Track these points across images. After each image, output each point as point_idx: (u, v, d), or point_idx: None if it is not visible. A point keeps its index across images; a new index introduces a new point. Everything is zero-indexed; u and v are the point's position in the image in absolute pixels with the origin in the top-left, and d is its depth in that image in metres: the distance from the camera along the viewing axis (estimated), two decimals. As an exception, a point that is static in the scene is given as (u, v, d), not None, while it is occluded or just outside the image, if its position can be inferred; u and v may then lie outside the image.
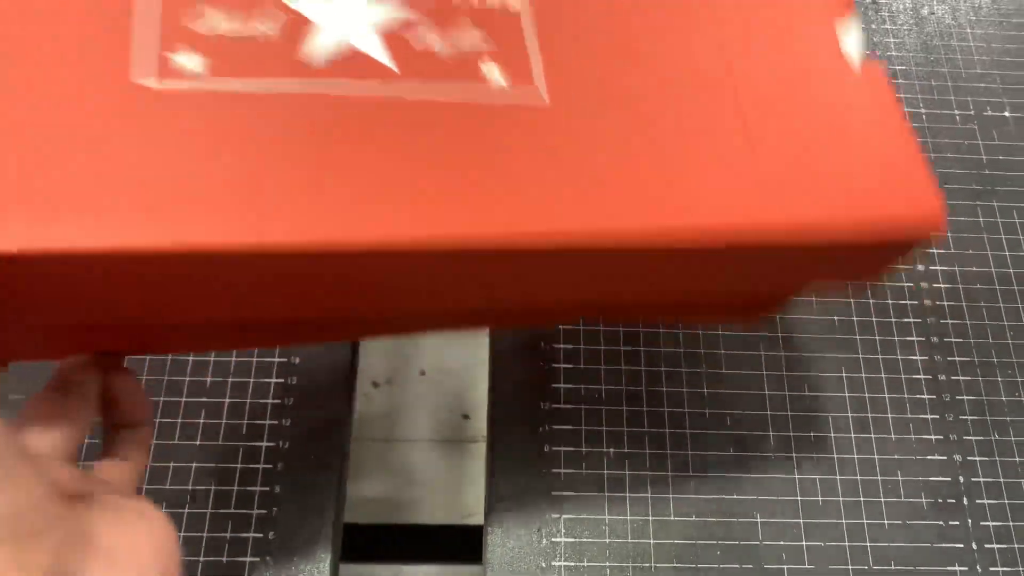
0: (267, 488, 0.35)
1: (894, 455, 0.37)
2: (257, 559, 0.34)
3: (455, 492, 0.85)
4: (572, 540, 0.35)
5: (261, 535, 0.34)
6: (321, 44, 0.21)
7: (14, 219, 0.17)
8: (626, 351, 0.38)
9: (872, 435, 0.38)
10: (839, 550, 0.35)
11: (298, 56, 0.20)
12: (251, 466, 0.35)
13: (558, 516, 0.35)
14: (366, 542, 0.73)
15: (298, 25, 0.21)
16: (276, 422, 0.36)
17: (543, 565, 0.34)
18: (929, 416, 0.38)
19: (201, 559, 0.33)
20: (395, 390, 0.82)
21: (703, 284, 0.26)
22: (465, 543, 0.82)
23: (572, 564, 0.34)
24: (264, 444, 0.35)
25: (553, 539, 0.35)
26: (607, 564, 0.34)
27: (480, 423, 0.89)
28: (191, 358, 0.37)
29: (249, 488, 0.35)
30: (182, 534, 0.34)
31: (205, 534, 0.34)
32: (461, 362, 0.91)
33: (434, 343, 0.89)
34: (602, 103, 0.22)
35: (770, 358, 0.39)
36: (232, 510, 0.34)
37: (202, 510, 0.34)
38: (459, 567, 0.84)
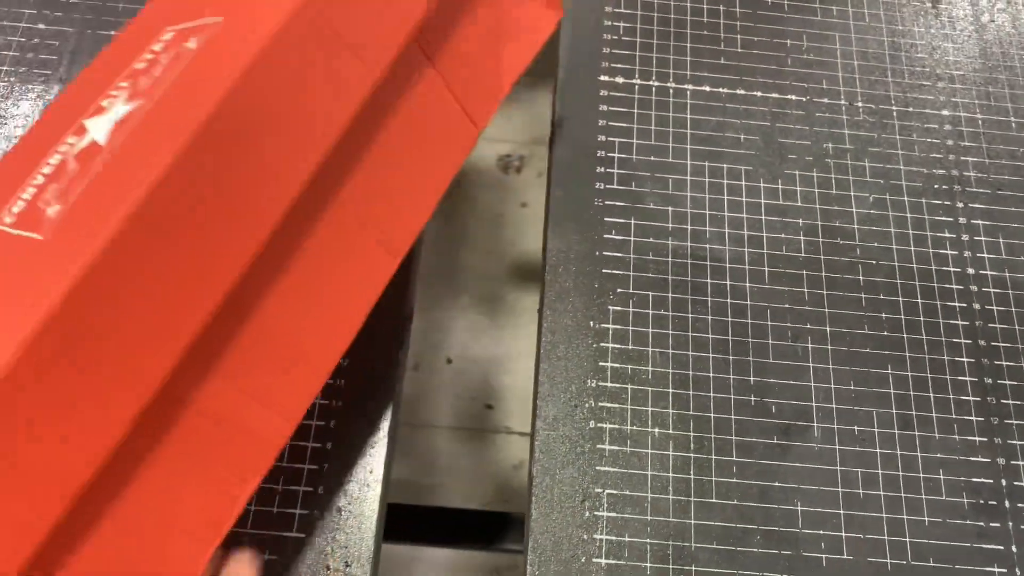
0: (315, 466, 0.36)
1: (937, 454, 0.37)
2: (302, 535, 0.34)
3: (474, 480, 0.86)
4: (614, 515, 0.35)
5: (306, 511, 0.35)
6: None
7: None
8: (674, 335, 0.39)
9: (916, 433, 0.38)
10: (878, 543, 0.36)
11: None
12: (299, 443, 0.36)
13: (601, 491, 0.35)
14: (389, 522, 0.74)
15: None
16: (327, 402, 0.37)
17: (585, 537, 0.35)
18: (974, 418, 0.38)
19: (248, 530, 0.34)
20: (421, 376, 0.83)
21: None
22: (480, 529, 0.82)
23: (613, 538, 0.35)
24: (313, 423, 0.36)
25: (596, 512, 0.35)
26: (647, 541, 0.35)
27: (503, 414, 0.90)
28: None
29: (297, 465, 0.36)
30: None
31: (252, 507, 0.35)
32: (488, 352, 0.92)
33: (463, 332, 0.90)
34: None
35: (816, 351, 0.39)
36: (280, 486, 0.35)
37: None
38: (473, 552, 0.84)
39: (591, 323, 0.39)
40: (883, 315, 0.40)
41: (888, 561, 0.35)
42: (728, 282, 0.40)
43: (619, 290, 0.40)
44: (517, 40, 0.37)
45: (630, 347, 0.38)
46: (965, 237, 0.43)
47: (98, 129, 0.24)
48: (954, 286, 0.41)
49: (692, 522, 0.35)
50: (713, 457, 0.37)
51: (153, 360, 0.23)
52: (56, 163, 0.24)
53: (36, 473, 0.21)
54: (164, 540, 0.25)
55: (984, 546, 0.36)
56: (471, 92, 0.33)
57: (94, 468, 0.22)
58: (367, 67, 0.27)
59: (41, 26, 0.44)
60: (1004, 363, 0.40)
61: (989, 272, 0.42)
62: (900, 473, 0.37)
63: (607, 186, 0.42)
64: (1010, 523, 0.36)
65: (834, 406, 0.38)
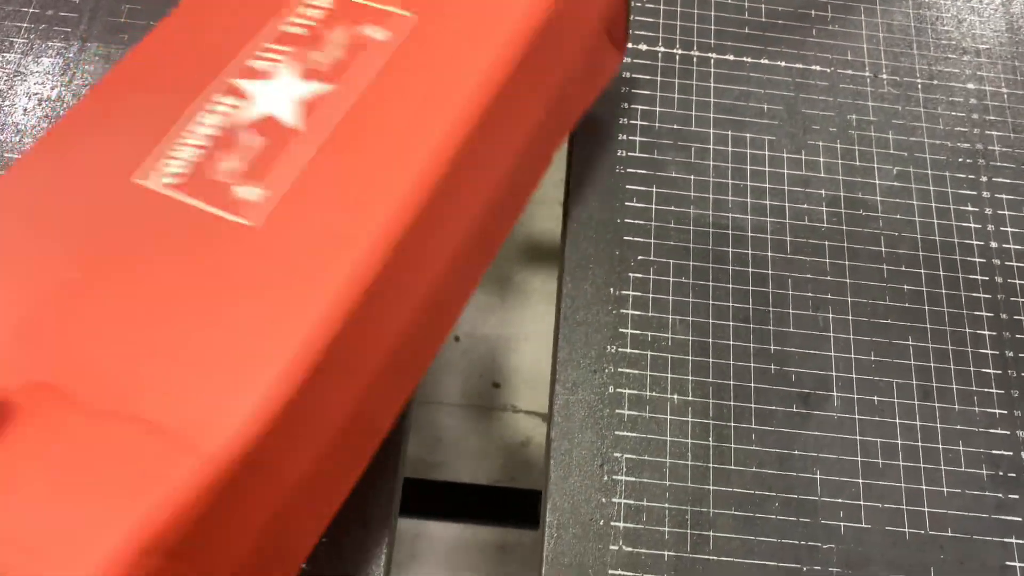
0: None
1: (956, 425, 0.37)
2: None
3: (481, 457, 0.86)
4: (633, 479, 0.35)
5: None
6: None
7: None
8: (695, 303, 0.39)
9: (936, 404, 0.38)
10: (896, 512, 0.35)
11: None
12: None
13: (620, 455, 0.35)
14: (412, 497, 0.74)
15: None
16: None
17: (603, 501, 0.35)
18: (994, 391, 0.38)
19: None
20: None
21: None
22: (487, 504, 0.83)
23: (632, 502, 0.35)
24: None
25: (614, 476, 0.35)
26: (666, 505, 0.35)
27: (510, 392, 0.90)
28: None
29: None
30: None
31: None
32: (496, 331, 0.92)
33: (472, 311, 0.90)
34: None
35: (838, 321, 0.39)
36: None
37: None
38: (480, 527, 0.85)
39: (611, 290, 0.39)
40: (905, 287, 0.40)
41: (906, 531, 0.35)
42: (750, 251, 0.40)
43: (640, 258, 0.40)
44: (588, 80, 0.36)
45: (650, 314, 0.38)
46: (988, 211, 0.42)
47: (269, 100, 0.22)
48: (976, 259, 0.41)
49: (711, 488, 0.35)
50: (732, 424, 0.36)
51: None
52: (219, 126, 0.22)
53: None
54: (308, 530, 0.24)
55: (1003, 517, 0.36)
56: (551, 124, 0.33)
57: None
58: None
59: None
60: (1026, 337, 0.39)
61: (1012, 246, 0.41)
62: (919, 444, 0.37)
63: (629, 154, 0.42)
64: (1029, 495, 0.36)
65: (854, 376, 0.38)
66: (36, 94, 0.41)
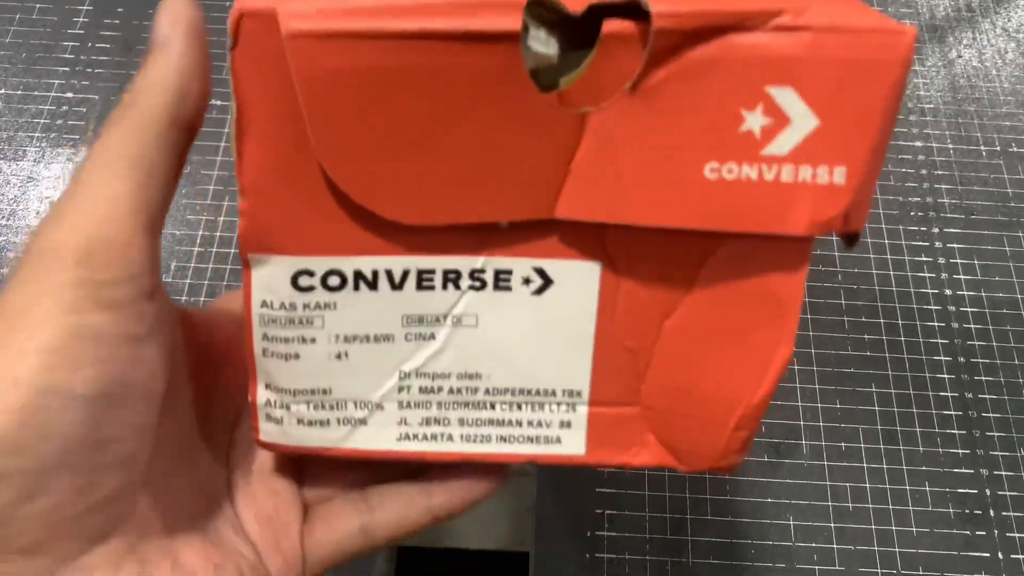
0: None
1: (922, 466, 0.39)
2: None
3: (489, 522, 0.87)
4: (613, 534, 0.37)
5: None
6: None
7: None
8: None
9: (901, 447, 0.40)
10: (868, 554, 0.37)
11: None
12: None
13: (601, 512, 0.37)
14: (411, 565, 0.75)
15: None
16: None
17: (587, 558, 0.36)
18: (956, 431, 0.40)
19: None
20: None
21: None
22: (507, 569, 0.83)
23: (614, 556, 0.36)
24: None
25: (596, 532, 0.37)
26: (647, 558, 0.36)
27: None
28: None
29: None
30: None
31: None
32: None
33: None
34: None
35: (803, 372, 0.41)
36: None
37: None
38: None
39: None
40: (865, 336, 0.42)
41: (879, 571, 0.37)
42: (716, 310, 0.43)
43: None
44: None
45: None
46: (942, 260, 0.45)
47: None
48: (932, 307, 0.43)
49: (689, 538, 0.37)
50: (707, 476, 0.38)
51: None
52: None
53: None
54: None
55: (971, 554, 0.37)
56: None
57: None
58: None
59: (69, 95, 0.48)
60: (983, 378, 0.41)
61: (966, 292, 0.44)
62: (887, 486, 0.39)
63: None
64: (995, 531, 0.38)
65: (821, 424, 0.40)
66: (47, 198, 0.45)
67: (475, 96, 0.17)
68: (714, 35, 0.16)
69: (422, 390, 0.20)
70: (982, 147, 0.49)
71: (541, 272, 0.19)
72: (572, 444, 0.21)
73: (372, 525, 0.21)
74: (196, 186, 0.45)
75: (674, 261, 0.19)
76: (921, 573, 0.37)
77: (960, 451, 0.40)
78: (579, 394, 0.20)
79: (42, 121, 0.47)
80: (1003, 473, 0.39)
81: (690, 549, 0.37)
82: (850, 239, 0.18)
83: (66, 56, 0.49)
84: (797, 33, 0.16)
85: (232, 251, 0.44)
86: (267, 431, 0.21)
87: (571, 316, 0.20)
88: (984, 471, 0.39)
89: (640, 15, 0.17)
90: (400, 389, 0.20)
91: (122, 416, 0.16)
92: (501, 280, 0.19)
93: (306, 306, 0.19)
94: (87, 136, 0.47)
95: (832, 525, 0.38)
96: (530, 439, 0.21)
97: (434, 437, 0.21)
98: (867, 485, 0.39)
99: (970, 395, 0.41)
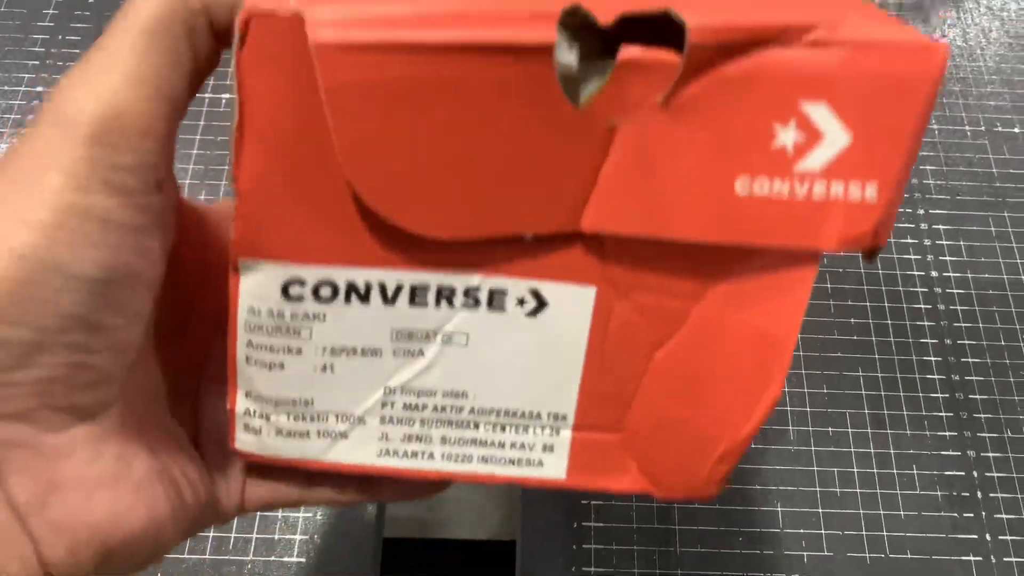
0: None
1: (909, 450, 0.39)
2: (303, 560, 0.36)
3: (482, 512, 0.87)
4: (602, 525, 0.37)
5: (306, 537, 0.36)
6: None
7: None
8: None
9: (888, 431, 0.39)
10: (857, 539, 0.37)
11: None
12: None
13: (588, 503, 0.37)
14: (398, 557, 0.75)
15: None
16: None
17: (574, 548, 0.36)
18: (943, 414, 0.40)
19: (250, 557, 0.36)
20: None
21: None
22: (494, 559, 0.83)
23: (602, 547, 0.36)
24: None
25: (583, 523, 0.37)
26: (635, 548, 0.36)
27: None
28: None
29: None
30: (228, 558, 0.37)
31: (254, 535, 0.37)
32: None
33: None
34: None
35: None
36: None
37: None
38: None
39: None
40: (852, 320, 0.42)
41: (867, 555, 0.37)
42: (701, 296, 0.42)
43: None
44: None
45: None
46: (927, 242, 0.45)
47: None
48: (919, 289, 0.43)
49: (676, 527, 0.37)
50: (694, 464, 0.38)
51: None
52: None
53: None
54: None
55: (959, 536, 0.37)
56: None
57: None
58: None
59: (40, 88, 0.47)
60: (970, 360, 0.41)
61: (952, 274, 0.44)
62: (875, 470, 0.39)
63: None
64: (983, 513, 0.38)
65: (808, 409, 0.40)
66: (19, 194, 0.44)
67: (505, 106, 0.17)
68: (748, 49, 0.16)
69: (406, 406, 0.20)
70: (967, 127, 0.48)
71: (536, 294, 0.19)
72: (554, 468, 0.21)
73: (309, 497, 0.22)
74: (172, 180, 0.45)
75: (672, 292, 0.19)
76: (909, 556, 0.37)
77: (947, 434, 0.40)
78: (564, 418, 0.20)
79: (12, 117, 0.46)
80: (990, 454, 0.39)
81: (677, 538, 0.36)
82: (871, 254, 0.18)
83: (36, 50, 0.48)
84: (831, 48, 0.16)
85: (210, 245, 0.43)
86: (244, 440, 0.20)
87: (562, 340, 0.19)
88: (971, 453, 0.39)
89: (671, 27, 0.16)
90: (384, 404, 0.20)
91: (120, 302, 0.16)
92: (495, 300, 0.19)
93: (294, 316, 0.19)
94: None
95: (820, 511, 0.37)
96: (512, 461, 0.20)
97: (415, 454, 0.20)
98: (855, 470, 0.38)
99: (957, 377, 0.41)
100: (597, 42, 0.17)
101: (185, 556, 0.36)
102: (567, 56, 0.17)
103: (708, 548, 0.36)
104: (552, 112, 0.17)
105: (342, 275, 0.18)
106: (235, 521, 0.36)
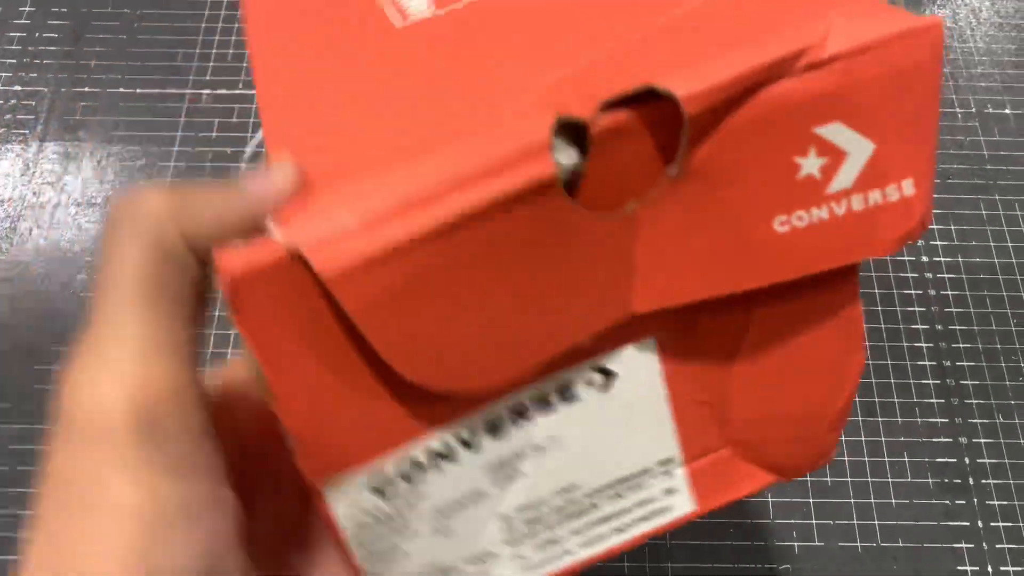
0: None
1: (900, 437, 0.39)
2: None
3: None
4: (590, 519, 0.36)
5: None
6: None
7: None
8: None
9: (879, 418, 0.39)
10: (848, 528, 0.37)
11: None
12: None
13: (577, 496, 0.37)
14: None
15: None
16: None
17: (563, 542, 0.36)
18: (935, 400, 0.40)
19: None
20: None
21: None
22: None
23: (591, 541, 0.36)
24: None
25: (572, 517, 0.36)
26: (624, 541, 0.36)
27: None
28: (230, 350, 0.39)
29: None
30: None
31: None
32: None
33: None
34: None
35: (779, 346, 0.40)
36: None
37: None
38: None
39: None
40: (841, 307, 0.42)
41: (858, 545, 0.36)
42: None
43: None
44: None
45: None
46: (918, 226, 0.44)
47: None
48: (909, 275, 0.43)
49: (666, 520, 0.36)
50: (684, 456, 0.38)
51: None
52: None
53: None
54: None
55: (951, 523, 0.37)
56: None
57: None
58: None
59: (17, 87, 0.46)
60: (961, 345, 0.41)
61: (943, 259, 0.43)
62: (866, 459, 0.38)
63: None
64: (975, 500, 0.38)
65: (798, 398, 0.39)
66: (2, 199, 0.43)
67: (524, 244, 0.16)
68: (746, 96, 0.15)
69: (527, 522, 0.20)
70: (957, 109, 0.48)
71: (602, 370, 0.19)
72: (683, 505, 0.21)
73: None
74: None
75: (728, 308, 0.18)
76: (901, 545, 0.37)
77: (939, 420, 0.39)
78: (672, 460, 0.20)
79: (-10, 116, 0.46)
80: (982, 441, 0.39)
81: (668, 532, 0.36)
82: (916, 234, 0.18)
83: (12, 48, 0.47)
84: (827, 67, 0.15)
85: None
86: None
87: (642, 396, 0.19)
88: (963, 439, 0.39)
89: (656, 96, 0.15)
90: (507, 531, 0.20)
91: (221, 560, 0.15)
92: (566, 394, 0.19)
93: (394, 505, 0.19)
94: (37, 130, 0.45)
95: (811, 500, 0.37)
96: (642, 519, 0.21)
97: (555, 558, 0.20)
98: (846, 458, 0.38)
99: (948, 363, 0.41)
100: (582, 135, 0.16)
101: None
102: (566, 156, 0.16)
103: (699, 540, 0.36)
104: (569, 227, 0.16)
105: (420, 448, 0.18)
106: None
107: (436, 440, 0.18)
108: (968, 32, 0.50)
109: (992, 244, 0.44)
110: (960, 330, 0.41)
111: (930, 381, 0.40)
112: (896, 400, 0.40)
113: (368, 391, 0.17)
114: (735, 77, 0.15)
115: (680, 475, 0.20)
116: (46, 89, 0.46)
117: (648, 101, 0.15)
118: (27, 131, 0.45)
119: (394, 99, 0.18)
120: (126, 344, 0.14)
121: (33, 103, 0.46)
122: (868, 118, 0.16)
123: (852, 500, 0.37)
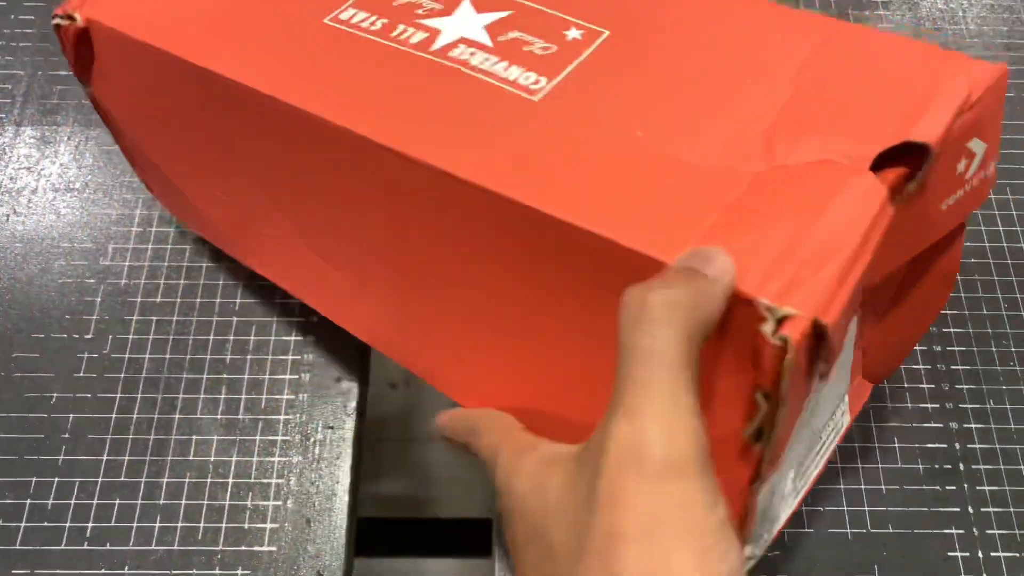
0: (281, 480, 0.36)
1: (891, 422, 0.38)
2: (273, 548, 0.35)
3: (470, 489, 0.86)
4: (577, 506, 0.36)
5: (276, 525, 0.36)
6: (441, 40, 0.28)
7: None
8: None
9: (869, 404, 0.39)
10: (838, 514, 0.36)
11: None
12: (267, 459, 0.37)
13: (564, 484, 0.36)
14: (382, 536, 0.74)
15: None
16: (288, 417, 0.38)
17: (550, 530, 0.35)
18: (925, 385, 0.39)
19: (221, 548, 0.35)
20: (411, 391, 0.83)
21: None
22: (478, 536, 0.83)
23: (578, 529, 0.35)
24: (279, 437, 0.37)
25: (559, 505, 0.36)
26: (612, 529, 0.35)
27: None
28: (211, 337, 0.39)
29: (265, 480, 0.36)
30: (204, 502, 0.36)
31: (224, 524, 0.36)
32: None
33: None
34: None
35: (768, 332, 0.40)
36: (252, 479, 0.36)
37: (223, 479, 0.36)
38: (473, 560, 0.85)
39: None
40: (831, 292, 0.41)
41: (848, 531, 0.36)
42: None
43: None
44: None
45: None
46: (908, 211, 0.44)
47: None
48: (900, 259, 0.42)
49: (654, 507, 0.36)
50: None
51: None
52: None
53: None
54: None
55: (941, 509, 0.37)
56: None
57: None
58: None
59: (-7, 71, 0.45)
60: (952, 330, 0.41)
61: (933, 243, 0.43)
62: (856, 445, 0.38)
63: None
64: (965, 485, 0.37)
65: (787, 384, 0.39)
66: (-26, 181, 0.43)
67: None
68: (943, 199, 0.25)
69: (798, 472, 0.28)
70: (948, 92, 0.47)
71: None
72: (845, 420, 0.31)
73: None
74: (132, 163, 0.43)
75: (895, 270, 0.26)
76: (891, 531, 0.36)
77: (930, 406, 0.39)
78: (846, 391, 0.31)
79: (-35, 100, 0.45)
80: (972, 426, 0.38)
81: (655, 518, 0.36)
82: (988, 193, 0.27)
83: (-12, 30, 0.46)
84: (976, 107, 0.23)
85: (171, 230, 0.42)
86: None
87: (846, 346, 0.28)
88: (953, 424, 0.38)
89: None
90: (806, 448, 0.28)
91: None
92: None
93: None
94: (13, 114, 0.44)
95: (800, 487, 0.37)
96: (833, 442, 0.31)
97: (808, 476, 0.30)
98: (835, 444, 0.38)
99: (938, 348, 0.40)
100: None
101: (153, 548, 0.35)
102: None
103: (687, 527, 0.36)
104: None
105: None
106: (203, 511, 0.36)
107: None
108: (960, 14, 0.50)
109: (983, 228, 0.43)
110: (951, 315, 0.41)
111: (920, 366, 0.40)
112: (887, 386, 0.39)
113: None
114: (948, 123, 0.22)
115: (845, 400, 0.31)
116: (22, 72, 0.45)
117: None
118: (3, 115, 0.44)
119: None
120: (685, 406, 0.19)
121: (9, 87, 0.45)
122: (984, 130, 0.24)
123: (842, 486, 0.37)
